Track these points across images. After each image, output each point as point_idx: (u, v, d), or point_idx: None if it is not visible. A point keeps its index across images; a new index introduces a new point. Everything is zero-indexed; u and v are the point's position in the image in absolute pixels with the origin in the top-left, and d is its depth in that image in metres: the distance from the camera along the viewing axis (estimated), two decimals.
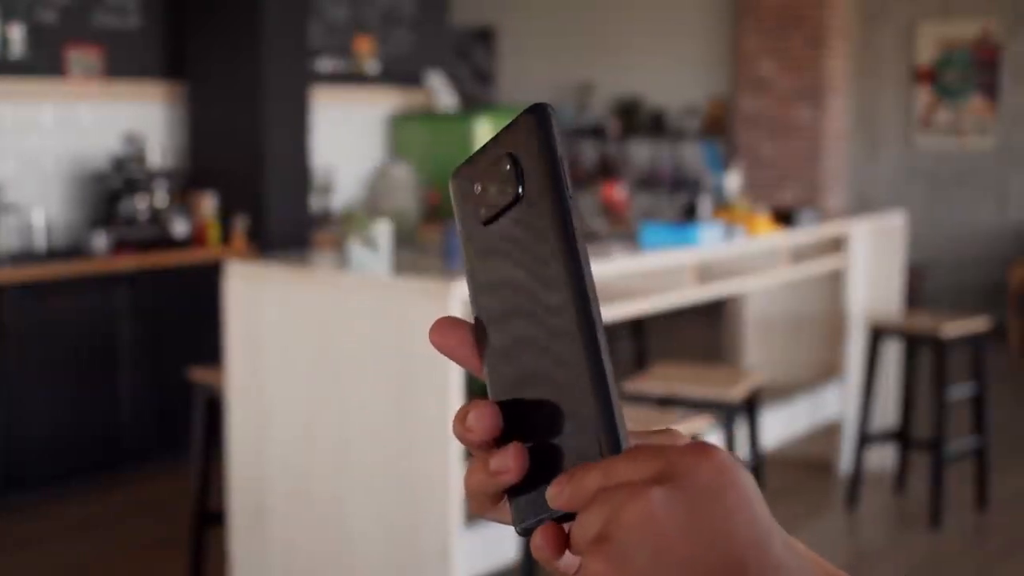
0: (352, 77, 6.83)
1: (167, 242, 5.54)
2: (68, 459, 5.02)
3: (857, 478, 4.91)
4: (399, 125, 7.11)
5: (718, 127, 9.33)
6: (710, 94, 9.43)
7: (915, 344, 4.93)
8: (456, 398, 3.10)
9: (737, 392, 3.78)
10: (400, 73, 7.15)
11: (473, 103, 8.86)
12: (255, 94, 5.69)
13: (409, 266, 3.49)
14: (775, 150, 8.88)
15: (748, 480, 0.46)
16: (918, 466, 5.20)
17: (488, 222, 0.53)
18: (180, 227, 5.60)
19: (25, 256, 5.13)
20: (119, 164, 5.53)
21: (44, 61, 5.40)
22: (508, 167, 0.52)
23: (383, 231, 3.38)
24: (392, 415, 3.20)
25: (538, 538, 0.50)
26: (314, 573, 3.42)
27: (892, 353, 5.34)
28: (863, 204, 8.81)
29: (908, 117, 8.86)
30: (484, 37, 10.45)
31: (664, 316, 7.22)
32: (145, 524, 4.71)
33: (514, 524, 0.52)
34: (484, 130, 6.70)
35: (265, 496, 3.52)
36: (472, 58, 10.48)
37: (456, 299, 3.06)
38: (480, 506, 0.54)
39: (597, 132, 9.74)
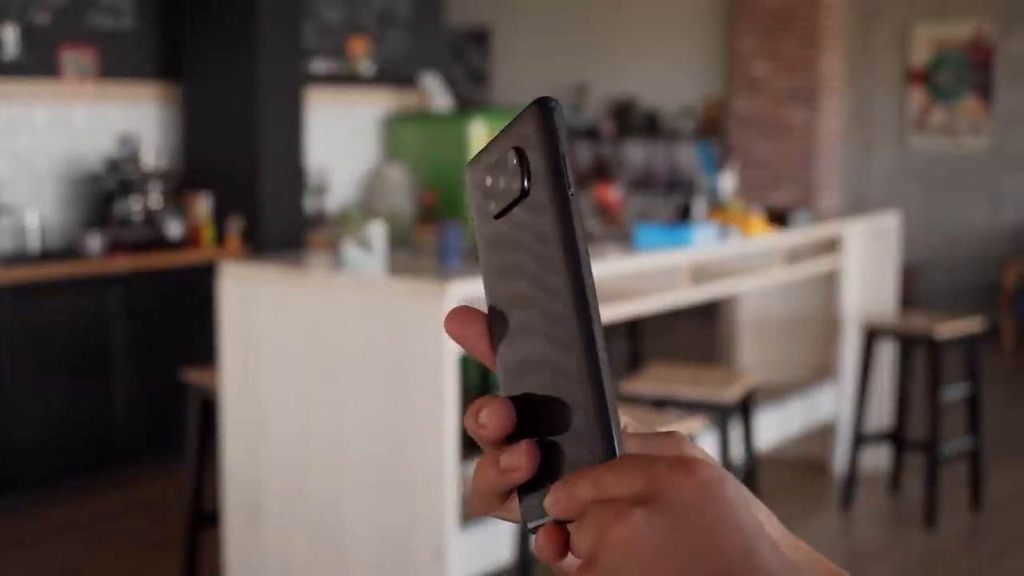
0: (347, 78, 6.83)
1: (161, 243, 5.53)
2: (62, 460, 5.01)
3: (852, 479, 4.92)
4: (394, 126, 7.11)
5: (713, 128, 9.34)
6: (704, 95, 9.44)
7: (909, 345, 4.93)
8: (451, 399, 3.10)
9: (732, 393, 3.79)
10: (395, 74, 7.15)
11: (468, 104, 8.86)
12: (250, 95, 5.69)
13: (404, 267, 3.49)
14: (769, 151, 8.89)
15: (734, 491, 0.46)
16: (913, 467, 5.21)
17: (498, 216, 0.53)
18: (174, 228, 5.59)
19: (19, 257, 5.12)
20: (113, 165, 5.52)
21: (38, 62, 5.39)
22: (515, 161, 0.52)
23: (378, 232, 3.38)
24: (387, 416, 3.20)
25: (540, 539, 0.50)
26: (309, 574, 3.42)
27: (886, 354, 5.34)
28: (857, 205, 8.82)
29: (902, 118, 8.88)
30: (479, 38, 10.45)
31: (659, 317, 7.22)
32: (139, 525, 4.71)
33: (523, 522, 0.52)
34: (479, 131, 6.70)
35: (260, 497, 3.52)
36: (467, 59, 10.48)
37: (451, 300, 3.06)
38: (487, 505, 0.53)
39: (592, 133, 9.74)
